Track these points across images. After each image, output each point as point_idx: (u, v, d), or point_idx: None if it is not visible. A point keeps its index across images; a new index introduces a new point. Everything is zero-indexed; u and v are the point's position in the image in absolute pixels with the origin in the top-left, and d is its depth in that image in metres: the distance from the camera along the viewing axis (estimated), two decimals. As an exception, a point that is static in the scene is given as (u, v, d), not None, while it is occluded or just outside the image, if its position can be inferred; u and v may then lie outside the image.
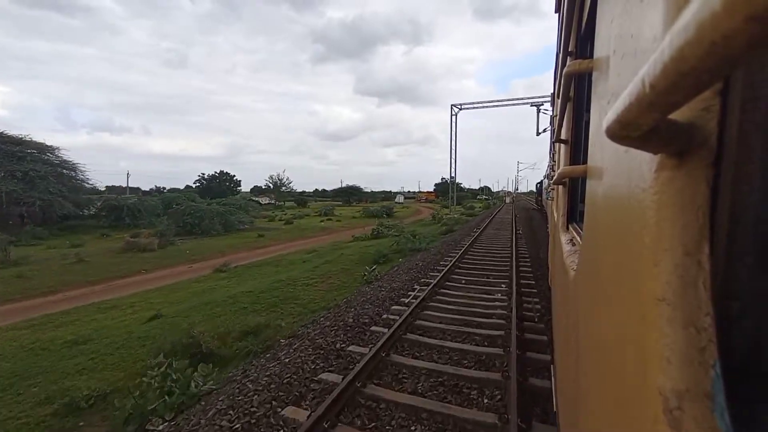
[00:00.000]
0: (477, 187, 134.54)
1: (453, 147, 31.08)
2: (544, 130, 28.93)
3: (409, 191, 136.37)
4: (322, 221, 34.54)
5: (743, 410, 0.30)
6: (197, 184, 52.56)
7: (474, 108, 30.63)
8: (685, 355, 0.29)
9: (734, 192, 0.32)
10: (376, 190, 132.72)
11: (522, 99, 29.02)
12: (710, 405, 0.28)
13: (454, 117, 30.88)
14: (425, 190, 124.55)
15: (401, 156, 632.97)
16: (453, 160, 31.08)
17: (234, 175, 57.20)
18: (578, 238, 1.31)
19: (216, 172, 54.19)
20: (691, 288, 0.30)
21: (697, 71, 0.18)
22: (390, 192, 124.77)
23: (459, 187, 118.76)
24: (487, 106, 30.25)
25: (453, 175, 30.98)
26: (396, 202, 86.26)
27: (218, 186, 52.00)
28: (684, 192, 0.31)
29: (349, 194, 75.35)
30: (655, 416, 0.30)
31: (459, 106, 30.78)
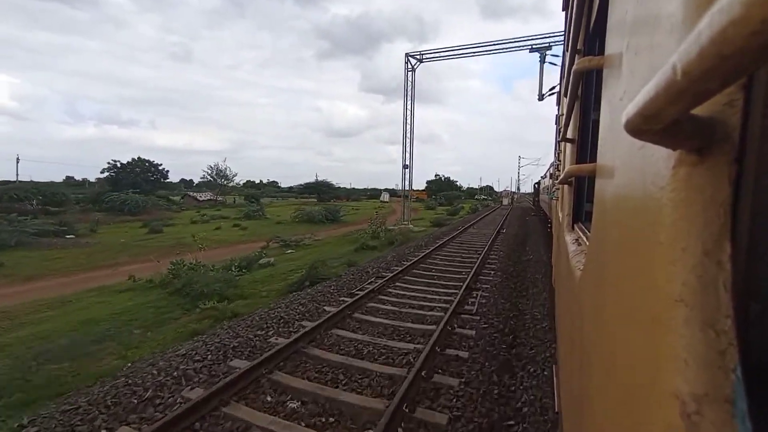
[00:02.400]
0: (478, 186, 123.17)
1: (408, 120, 20.29)
2: (551, 91, 18.21)
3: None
4: (217, 228, 23.96)
5: (760, 411, 0.29)
6: (108, 174, 41.92)
7: (442, 57, 19.91)
8: (704, 358, 0.28)
9: (756, 190, 0.31)
10: (380, 187, 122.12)
11: (515, 40, 18.18)
12: (731, 410, 0.27)
13: (410, 73, 20.12)
14: (416, 189, 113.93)
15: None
16: (408, 139, 20.31)
17: (160, 164, 46.32)
18: (584, 238, 1.33)
19: (133, 158, 43.38)
20: (711, 289, 0.29)
21: (742, 54, 0.17)
22: (378, 189, 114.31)
23: (455, 186, 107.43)
24: (461, 55, 19.54)
25: (407, 163, 20.29)
26: (381, 201, 77.38)
27: (133, 177, 41.30)
28: (704, 189, 0.30)
29: (319, 190, 64.46)
30: (671, 420, 0.29)
31: (419, 56, 20.04)
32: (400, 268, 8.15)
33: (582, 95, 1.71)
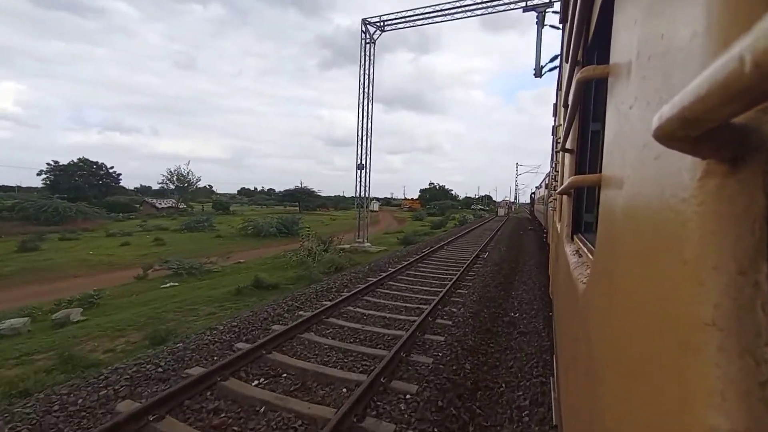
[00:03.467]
0: (476, 196, 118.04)
1: (364, 105, 15.63)
2: (552, 62, 13.61)
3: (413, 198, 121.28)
4: (124, 244, 19.16)
5: None
6: (46, 177, 36.83)
7: (409, 23, 15.28)
8: (744, 390, 0.26)
9: None
10: (380, 195, 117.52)
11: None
12: None
13: (368, 45, 15.52)
14: (410, 197, 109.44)
15: (407, 163, 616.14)
16: (363, 129, 15.57)
17: (111, 167, 41.24)
18: (585, 250, 1.34)
19: (74, 160, 38.17)
20: (747, 312, 0.27)
21: None
22: (376, 198, 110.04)
23: (450, 195, 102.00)
24: (433, 18, 14.87)
25: (362, 161, 15.46)
26: (369, 210, 73.43)
27: (75, 181, 36.27)
28: (736, 202, 0.28)
29: (299, 198, 59.03)
30: None
31: (379, 23, 15.45)
32: (203, 371, 3.37)
33: (581, 106, 1.69)
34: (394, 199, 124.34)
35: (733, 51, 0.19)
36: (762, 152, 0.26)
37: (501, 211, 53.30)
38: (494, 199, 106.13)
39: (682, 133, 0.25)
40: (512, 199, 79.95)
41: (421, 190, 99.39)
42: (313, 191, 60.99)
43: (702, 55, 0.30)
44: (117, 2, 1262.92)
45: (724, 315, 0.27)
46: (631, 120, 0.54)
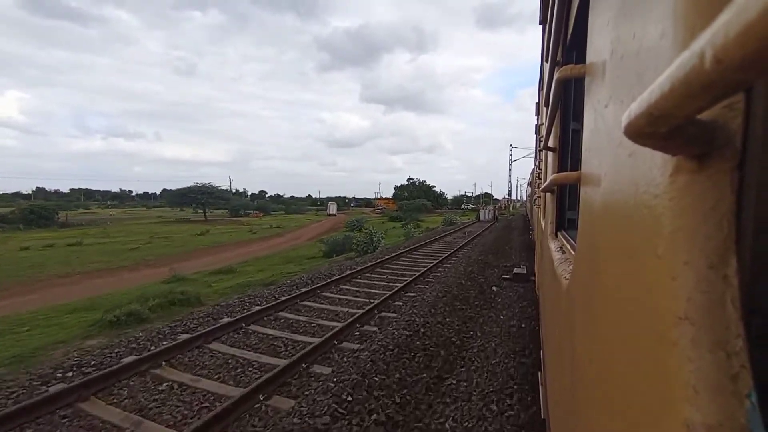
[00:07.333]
0: (466, 193, 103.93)
1: None
2: None
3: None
4: None
5: None
6: None
7: None
8: (716, 384, 0.27)
9: (759, 199, 0.30)
10: (375, 196, 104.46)
11: None
12: None
13: None
14: (384, 197, 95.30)
15: (408, 164, 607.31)
16: None
17: None
18: (568, 246, 1.38)
19: None
20: (718, 306, 0.28)
21: None
22: (369, 199, 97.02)
23: (431, 193, 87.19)
24: None
25: None
26: (328, 213, 61.34)
27: None
28: (705, 198, 0.29)
29: (200, 200, 43.20)
30: None
31: None
32: None
33: (562, 105, 1.74)
34: (374, 200, 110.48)
35: (694, 47, 0.19)
36: (729, 148, 0.27)
37: (485, 214, 35.67)
38: (494, 197, 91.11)
39: (651, 129, 0.26)
40: (511, 195, 65.12)
41: (396, 188, 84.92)
42: (217, 189, 45.24)
43: (670, 54, 0.31)
44: (117, 11, 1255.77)
45: (697, 309, 0.28)
46: (606, 118, 0.56)
